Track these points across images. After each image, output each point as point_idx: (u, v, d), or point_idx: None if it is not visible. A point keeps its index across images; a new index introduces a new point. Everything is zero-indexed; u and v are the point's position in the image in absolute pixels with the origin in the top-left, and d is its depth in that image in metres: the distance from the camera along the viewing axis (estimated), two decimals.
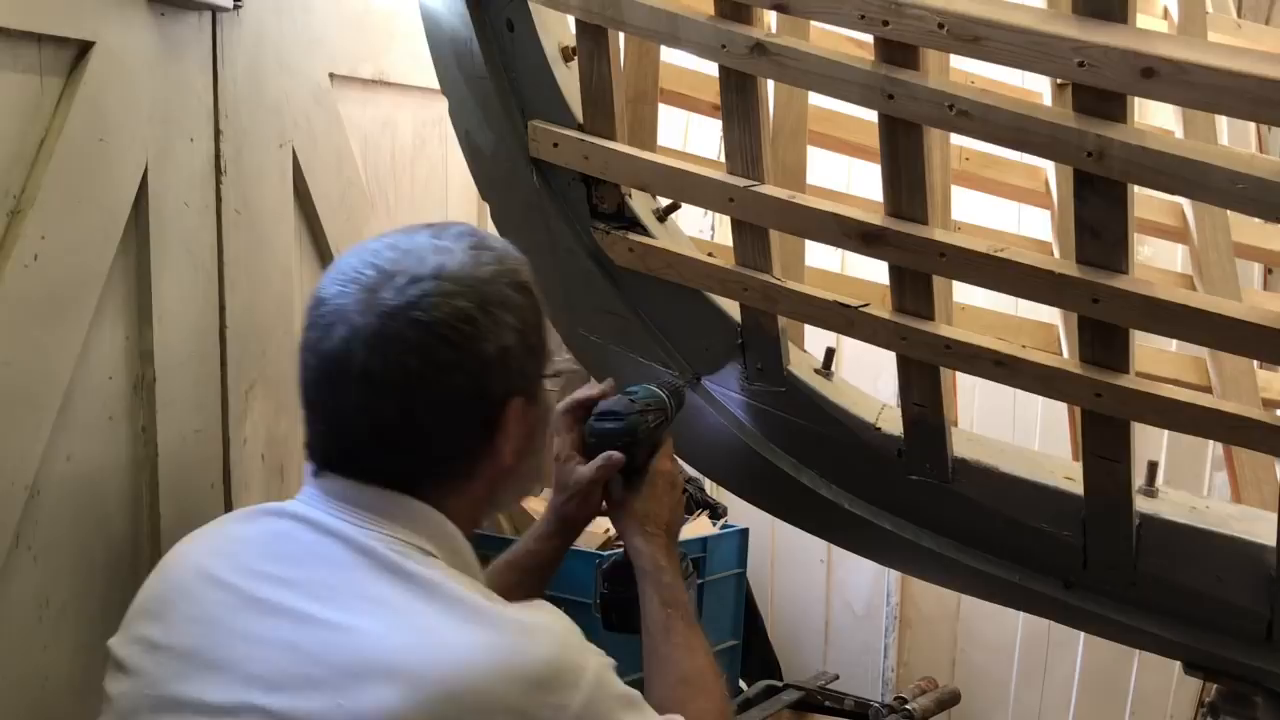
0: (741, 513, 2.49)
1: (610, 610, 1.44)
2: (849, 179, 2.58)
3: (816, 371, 1.64)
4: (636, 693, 1.11)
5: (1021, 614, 2.64)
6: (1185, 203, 2.07)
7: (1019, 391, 1.47)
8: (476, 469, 1.13)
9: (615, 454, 1.36)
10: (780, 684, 2.63)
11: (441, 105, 1.77)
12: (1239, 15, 2.57)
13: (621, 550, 1.43)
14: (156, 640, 1.09)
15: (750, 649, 2.73)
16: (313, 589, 1.04)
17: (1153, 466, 1.50)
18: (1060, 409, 1.83)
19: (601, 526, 2.34)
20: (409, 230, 1.13)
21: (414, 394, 1.06)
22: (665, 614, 1.31)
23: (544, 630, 1.05)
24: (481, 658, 0.99)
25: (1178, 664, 1.55)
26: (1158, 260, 2.48)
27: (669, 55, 1.76)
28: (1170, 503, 1.48)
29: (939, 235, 1.39)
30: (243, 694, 1.02)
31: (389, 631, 1.00)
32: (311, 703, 0.99)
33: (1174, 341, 1.97)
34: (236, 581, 1.08)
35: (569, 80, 1.62)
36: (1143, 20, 1.55)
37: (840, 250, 2.25)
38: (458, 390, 1.07)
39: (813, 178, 1.91)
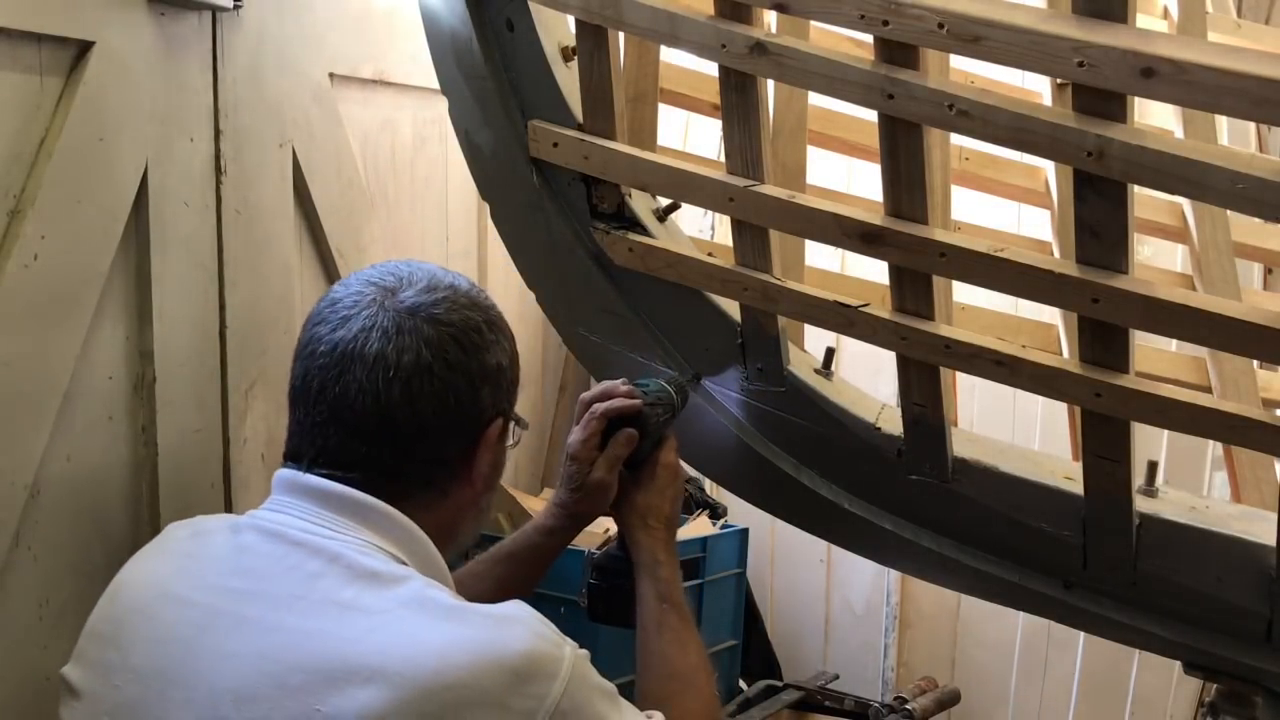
0: (741, 513, 2.49)
1: (596, 600, 1.45)
2: (849, 179, 2.58)
3: (816, 371, 1.64)
4: (613, 686, 1.11)
5: (1021, 614, 2.65)
6: (1185, 203, 2.06)
7: (1019, 391, 1.47)
8: (451, 487, 1.16)
9: (629, 430, 1.39)
10: (780, 684, 2.63)
11: (441, 105, 1.77)
12: (1239, 15, 2.57)
13: (614, 542, 1.44)
14: (112, 663, 1.08)
15: (750, 649, 2.73)
16: (281, 600, 1.04)
17: (1153, 466, 1.50)
18: (1060, 409, 1.83)
19: (601, 526, 2.35)
20: (408, 260, 1.21)
21: (420, 384, 1.10)
22: (660, 609, 1.33)
23: (518, 622, 1.05)
24: (459, 653, 0.99)
25: (1178, 664, 1.55)
26: (1158, 260, 2.48)
27: (669, 55, 1.76)
28: (1170, 503, 1.48)
29: (939, 235, 1.39)
30: (210, 710, 1.01)
31: (363, 634, 1.00)
32: (287, 711, 0.98)
33: (1174, 341, 1.97)
34: (200, 598, 1.07)
35: (569, 80, 1.62)
36: (1143, 20, 1.55)
37: (840, 250, 2.25)
38: (459, 392, 1.12)
39: (813, 178, 1.91)
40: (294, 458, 1.14)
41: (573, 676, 1.03)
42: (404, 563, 1.10)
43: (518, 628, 1.04)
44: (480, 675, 0.99)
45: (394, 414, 1.10)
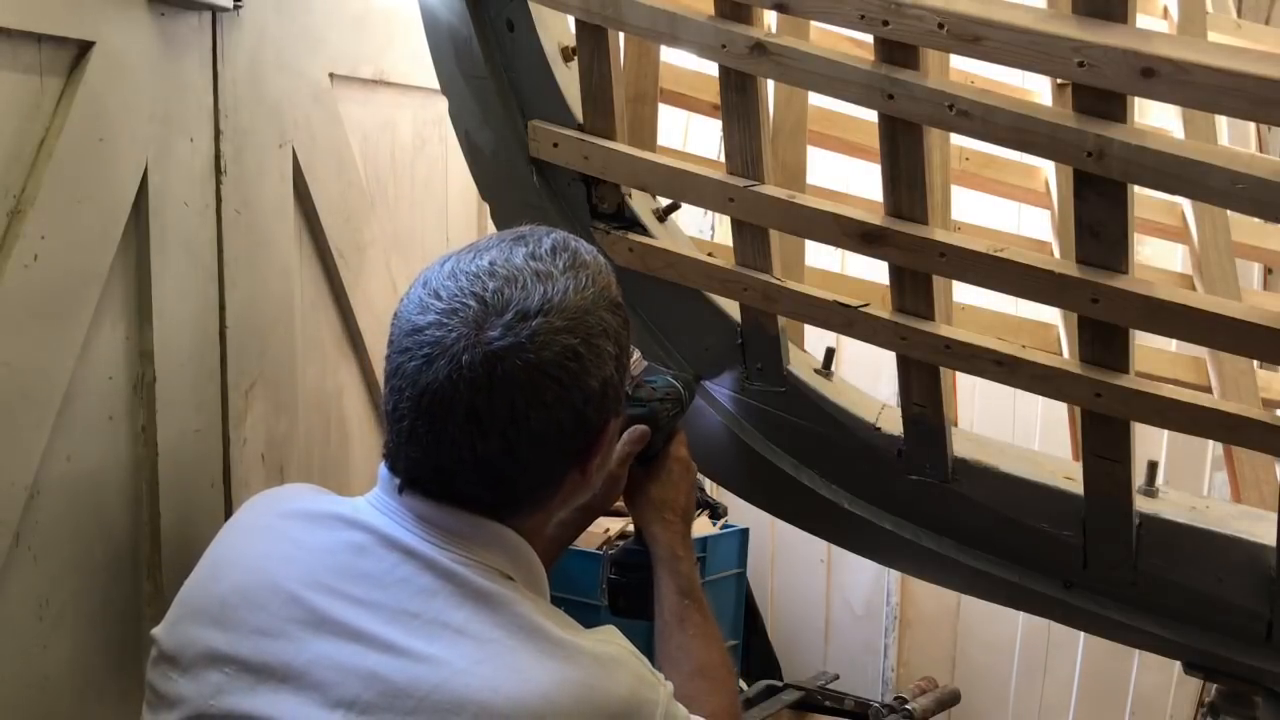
0: (741, 513, 2.48)
1: (618, 595, 1.46)
2: (849, 179, 2.58)
3: (816, 371, 1.64)
4: (691, 716, 1.12)
5: (1021, 614, 2.65)
6: (1185, 203, 2.07)
7: (1019, 391, 1.47)
8: (563, 490, 1.14)
9: (641, 426, 1.38)
10: (780, 684, 2.63)
11: (441, 105, 1.77)
12: (1239, 15, 2.57)
13: (631, 538, 1.45)
14: (220, 649, 1.07)
15: (750, 649, 2.73)
16: (394, 615, 1.04)
17: (1153, 466, 1.50)
18: (1060, 409, 1.83)
19: (602, 526, 2.35)
20: (502, 245, 1.09)
21: (518, 431, 1.04)
22: (682, 604, 1.33)
23: (620, 665, 1.06)
24: (564, 694, 1.01)
25: (1178, 664, 1.55)
26: (1157, 260, 2.48)
27: (669, 55, 1.76)
28: (1170, 503, 1.48)
29: (939, 235, 1.39)
30: (326, 715, 1.01)
31: (473, 665, 1.01)
32: None
33: (1174, 341, 1.97)
34: (310, 597, 1.06)
35: (569, 80, 1.62)
36: (1143, 20, 1.56)
37: (840, 250, 2.25)
38: (561, 425, 1.06)
39: (813, 178, 1.91)
40: (394, 472, 1.10)
41: (666, 716, 1.06)
42: (510, 577, 1.09)
43: (621, 671, 1.05)
44: (582, 719, 1.01)
45: (493, 463, 1.06)
